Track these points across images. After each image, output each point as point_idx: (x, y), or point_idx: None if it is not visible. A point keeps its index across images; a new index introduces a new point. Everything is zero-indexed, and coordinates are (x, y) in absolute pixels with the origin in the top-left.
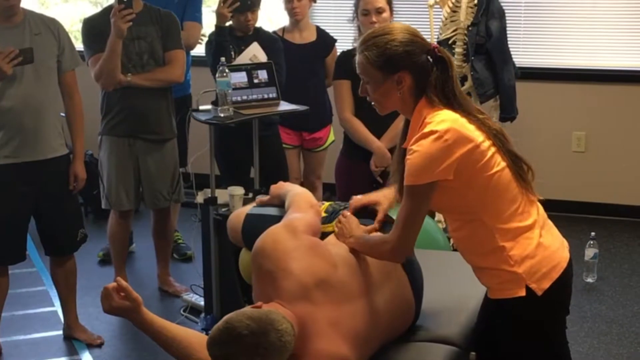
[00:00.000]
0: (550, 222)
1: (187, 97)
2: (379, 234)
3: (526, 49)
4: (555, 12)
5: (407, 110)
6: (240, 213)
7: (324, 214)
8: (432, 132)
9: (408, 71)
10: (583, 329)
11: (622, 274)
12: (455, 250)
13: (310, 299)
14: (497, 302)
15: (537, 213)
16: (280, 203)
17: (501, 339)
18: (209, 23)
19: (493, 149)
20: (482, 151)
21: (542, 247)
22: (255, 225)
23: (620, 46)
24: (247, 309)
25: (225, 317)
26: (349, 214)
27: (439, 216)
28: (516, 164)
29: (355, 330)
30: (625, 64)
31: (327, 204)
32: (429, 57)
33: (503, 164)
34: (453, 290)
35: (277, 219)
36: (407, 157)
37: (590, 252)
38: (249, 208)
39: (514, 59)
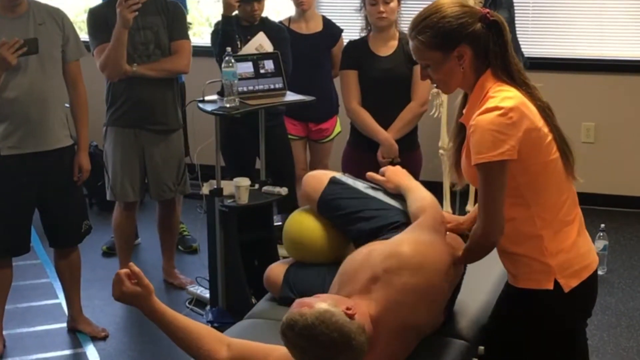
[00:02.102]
0: (584, 225)
1: (181, 86)
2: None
3: (534, 39)
4: (563, 1)
5: (469, 84)
6: (323, 174)
7: None
8: (496, 108)
9: (466, 43)
10: (592, 322)
11: (632, 266)
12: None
13: (398, 335)
14: (521, 291)
15: (579, 211)
16: (394, 190)
17: (518, 329)
18: (215, 13)
19: (550, 136)
20: (542, 135)
21: (577, 245)
22: (340, 193)
23: (630, 36)
24: (341, 314)
25: (317, 312)
26: (448, 233)
27: (446, 207)
28: (562, 141)
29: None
30: (635, 54)
31: None
32: (482, 24)
33: (558, 153)
34: (462, 283)
35: (365, 197)
36: (470, 134)
37: (599, 244)
38: (334, 173)
39: (522, 49)
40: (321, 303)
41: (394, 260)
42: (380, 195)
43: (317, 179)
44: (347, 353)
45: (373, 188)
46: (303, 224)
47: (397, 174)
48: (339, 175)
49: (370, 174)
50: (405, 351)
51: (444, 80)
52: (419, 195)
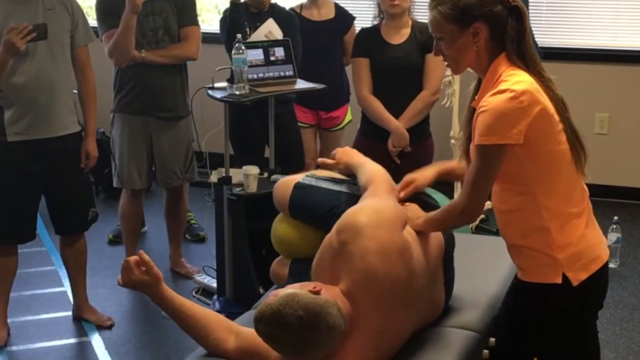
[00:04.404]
0: (593, 216)
1: None
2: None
3: (548, 29)
4: None
5: (482, 66)
6: (290, 180)
7: None
8: (507, 90)
9: (483, 22)
10: (604, 316)
11: None
12: (474, 232)
13: (374, 302)
14: (529, 285)
15: (587, 203)
16: (345, 171)
17: (527, 323)
18: (224, 0)
19: (561, 125)
20: (554, 123)
21: (585, 237)
22: (305, 196)
23: None
24: (305, 293)
25: (280, 297)
26: (407, 203)
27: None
28: (574, 135)
29: (395, 338)
30: None
31: None
32: (503, 7)
33: (567, 144)
34: (472, 274)
35: (330, 193)
36: (478, 114)
37: (612, 237)
38: (300, 177)
39: (536, 39)
40: (287, 290)
41: (345, 231)
42: (344, 188)
43: (284, 186)
44: (318, 331)
45: (336, 182)
46: (288, 225)
47: (346, 153)
48: (302, 179)
49: (321, 159)
50: (395, 325)
51: (456, 57)
52: (367, 168)
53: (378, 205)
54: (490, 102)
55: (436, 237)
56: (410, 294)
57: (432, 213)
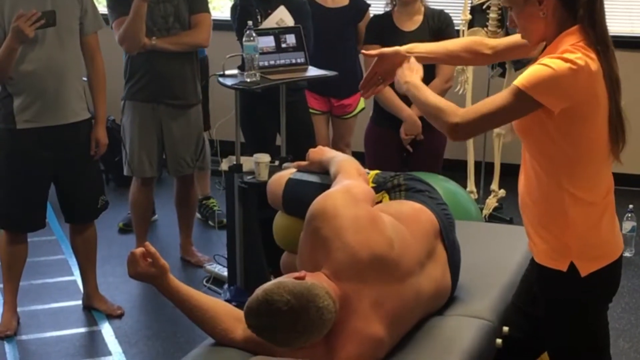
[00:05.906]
0: (615, 213)
1: (204, 59)
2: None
3: None
4: None
5: (550, 37)
6: (281, 177)
7: (372, 184)
8: (569, 60)
9: None
10: (620, 305)
11: None
12: (488, 221)
13: (361, 276)
14: (540, 268)
15: (611, 199)
16: (320, 169)
17: (538, 309)
18: None
19: (608, 107)
20: (601, 112)
21: (602, 231)
22: (297, 191)
23: None
24: (290, 280)
25: (265, 287)
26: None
27: (470, 187)
28: (617, 119)
29: (396, 311)
30: None
31: (373, 173)
32: None
33: (608, 134)
34: (485, 262)
35: (320, 186)
36: (533, 62)
37: (627, 225)
38: (292, 172)
39: None
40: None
41: (315, 219)
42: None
43: (276, 183)
44: (308, 313)
45: (327, 175)
46: (287, 221)
47: (318, 153)
48: (293, 174)
49: (296, 163)
50: (391, 297)
51: (525, 26)
52: (336, 160)
53: (342, 188)
54: (551, 62)
55: (425, 214)
56: (397, 265)
57: (428, 94)
